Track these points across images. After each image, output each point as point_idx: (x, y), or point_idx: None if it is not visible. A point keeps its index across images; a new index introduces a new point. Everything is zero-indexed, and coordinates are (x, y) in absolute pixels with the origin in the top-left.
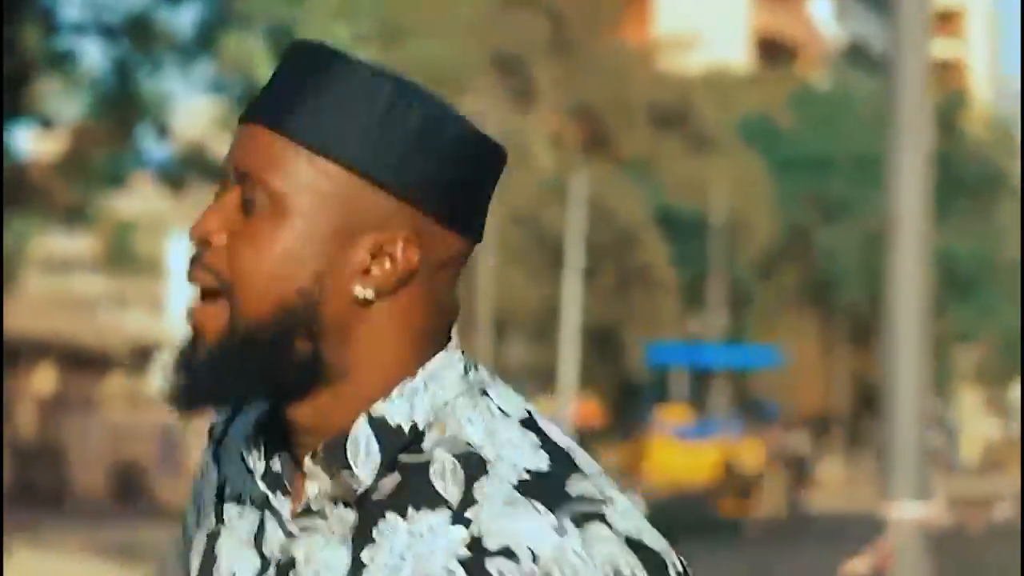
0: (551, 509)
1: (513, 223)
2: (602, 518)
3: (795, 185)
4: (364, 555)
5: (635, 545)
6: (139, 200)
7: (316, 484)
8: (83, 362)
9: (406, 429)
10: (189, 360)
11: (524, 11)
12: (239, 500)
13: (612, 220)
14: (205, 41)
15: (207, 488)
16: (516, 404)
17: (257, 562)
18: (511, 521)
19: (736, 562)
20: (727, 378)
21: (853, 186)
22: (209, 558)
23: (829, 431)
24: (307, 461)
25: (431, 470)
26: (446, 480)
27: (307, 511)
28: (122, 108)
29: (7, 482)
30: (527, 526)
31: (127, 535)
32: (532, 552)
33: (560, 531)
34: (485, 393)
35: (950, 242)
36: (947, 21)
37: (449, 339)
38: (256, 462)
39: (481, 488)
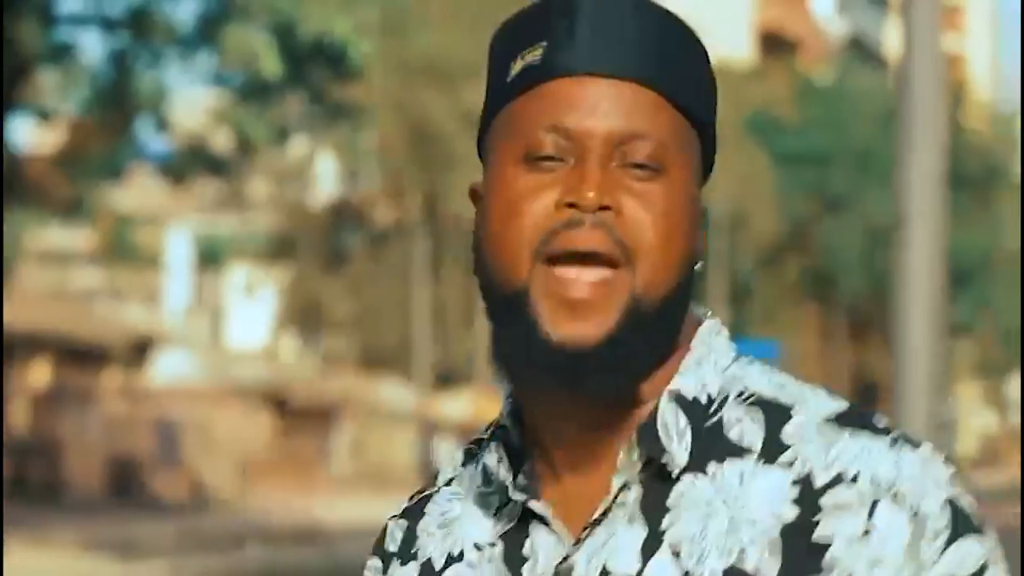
0: (875, 434)
1: None
2: (925, 444)
3: (796, 179)
4: (663, 524)
5: (954, 473)
6: (137, 193)
7: (623, 476)
8: (79, 356)
9: (703, 401)
10: (579, 345)
11: (528, 2)
12: (458, 557)
13: None
14: (206, 34)
15: None
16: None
17: None
18: (838, 449)
19: None
20: None
21: (854, 180)
22: None
23: None
24: (621, 455)
25: (724, 429)
26: (743, 431)
27: (604, 512)
28: (121, 101)
29: (2, 476)
30: (857, 448)
31: (124, 530)
32: (871, 473)
33: (896, 448)
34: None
35: (949, 235)
36: (948, 15)
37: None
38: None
39: (788, 432)
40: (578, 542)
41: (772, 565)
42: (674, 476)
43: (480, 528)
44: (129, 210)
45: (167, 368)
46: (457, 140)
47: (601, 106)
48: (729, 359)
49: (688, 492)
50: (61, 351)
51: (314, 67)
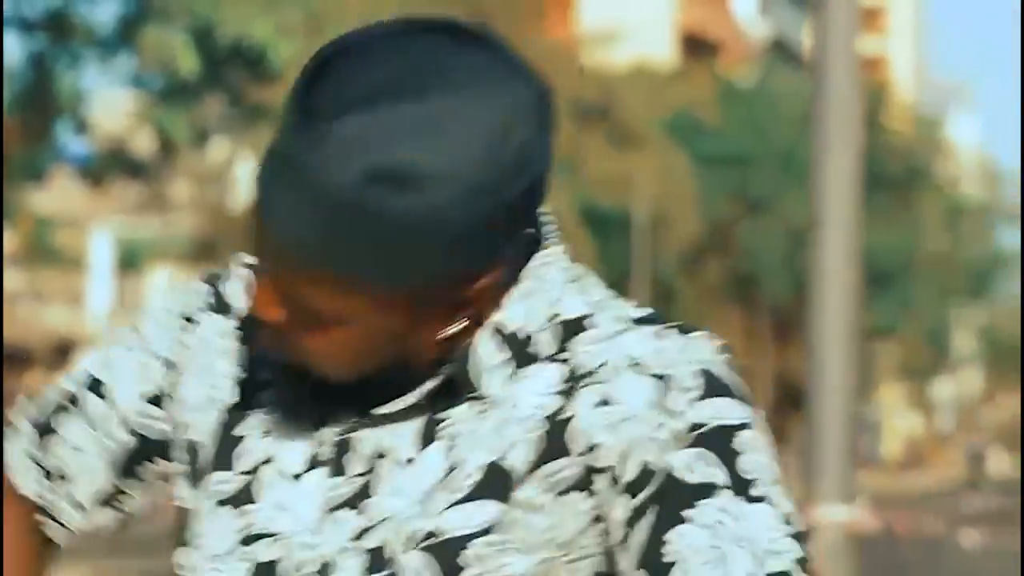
0: (654, 330)
1: None
2: (699, 334)
3: (718, 181)
4: (447, 419)
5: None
6: (58, 195)
7: (417, 394)
8: (2, 358)
9: (520, 336)
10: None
11: (447, 6)
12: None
13: None
14: (124, 35)
15: (210, 350)
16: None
17: (307, 449)
18: (608, 346)
19: None
20: None
21: (776, 182)
22: (228, 438)
23: None
24: (426, 387)
25: (532, 343)
26: (540, 345)
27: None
28: (40, 103)
29: None
30: (623, 342)
31: None
32: (623, 354)
33: (660, 336)
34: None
35: (869, 236)
36: (870, 17)
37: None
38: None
39: (580, 338)
40: (374, 420)
41: (525, 458)
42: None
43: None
44: (50, 212)
45: None
46: None
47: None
48: (560, 291)
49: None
50: None
51: (233, 69)
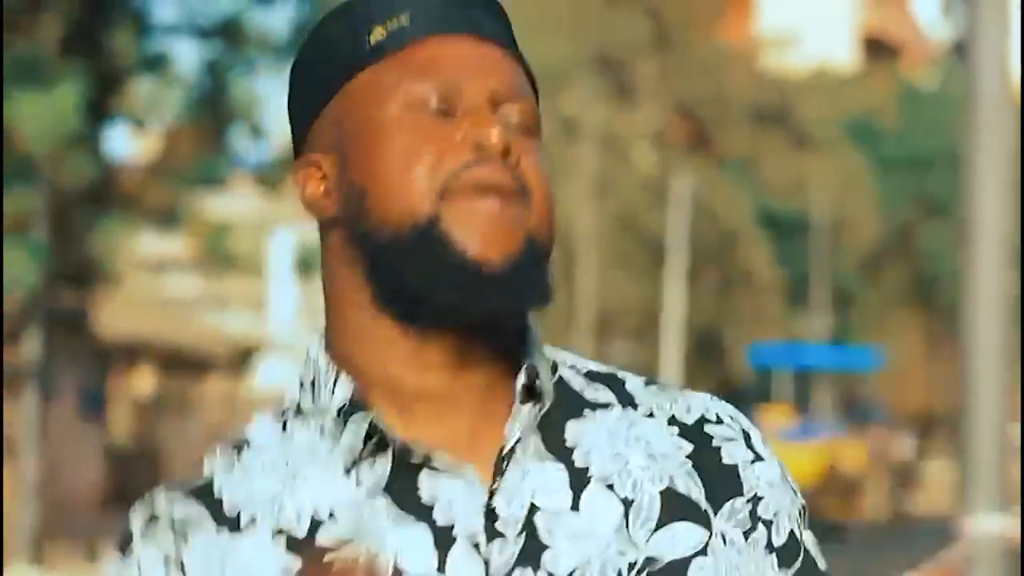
0: (693, 390)
1: (615, 224)
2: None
3: (899, 184)
4: (577, 462)
5: None
6: (236, 200)
7: (516, 424)
8: (182, 364)
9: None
10: (502, 261)
11: (625, 9)
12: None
13: (715, 220)
14: (298, 42)
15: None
16: None
17: (427, 531)
18: (681, 399)
19: (839, 565)
20: (830, 379)
21: (957, 185)
22: None
23: (933, 432)
24: (519, 379)
25: (572, 386)
26: (595, 390)
27: (505, 457)
28: (215, 110)
29: (103, 486)
30: (696, 398)
31: None
32: (727, 413)
33: (717, 399)
34: None
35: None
36: None
37: None
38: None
39: (631, 390)
40: (494, 484)
41: (698, 489)
42: (552, 418)
43: (331, 489)
44: (228, 218)
45: (269, 376)
46: (554, 146)
47: (482, 64)
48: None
49: (583, 434)
50: (164, 359)
51: None
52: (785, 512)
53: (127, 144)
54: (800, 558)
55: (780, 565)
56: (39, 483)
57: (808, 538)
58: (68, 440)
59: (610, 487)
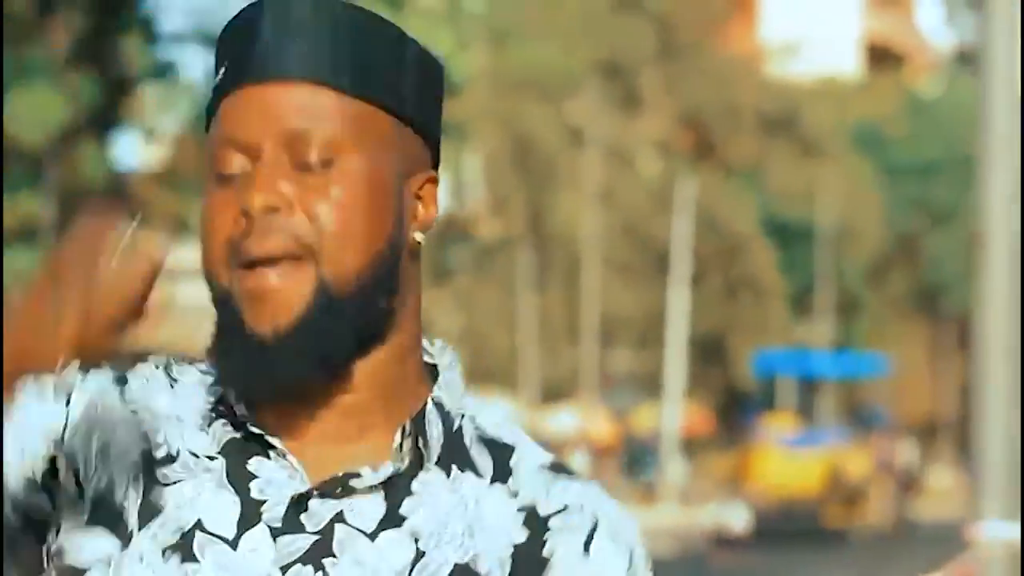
0: (583, 480)
1: (620, 231)
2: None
3: (904, 192)
4: (404, 507)
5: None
6: None
7: (394, 463)
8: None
9: (452, 415)
10: (272, 334)
11: (631, 17)
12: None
13: (719, 227)
14: None
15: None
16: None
17: (237, 504)
18: (559, 487)
19: (843, 571)
20: (835, 386)
21: (962, 193)
22: (156, 492)
23: (937, 439)
24: (396, 436)
25: (464, 439)
26: (478, 451)
27: (346, 479)
28: None
29: None
30: (576, 490)
31: None
32: (592, 506)
33: (603, 495)
34: None
35: None
36: None
37: None
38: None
39: (513, 464)
40: (321, 486)
41: (500, 573)
42: (424, 467)
43: (195, 437)
44: None
45: None
46: (560, 154)
47: (268, 112)
48: (462, 388)
49: (430, 486)
50: None
51: None
52: None
53: (136, 152)
54: None
55: None
56: None
57: None
58: None
59: (415, 538)
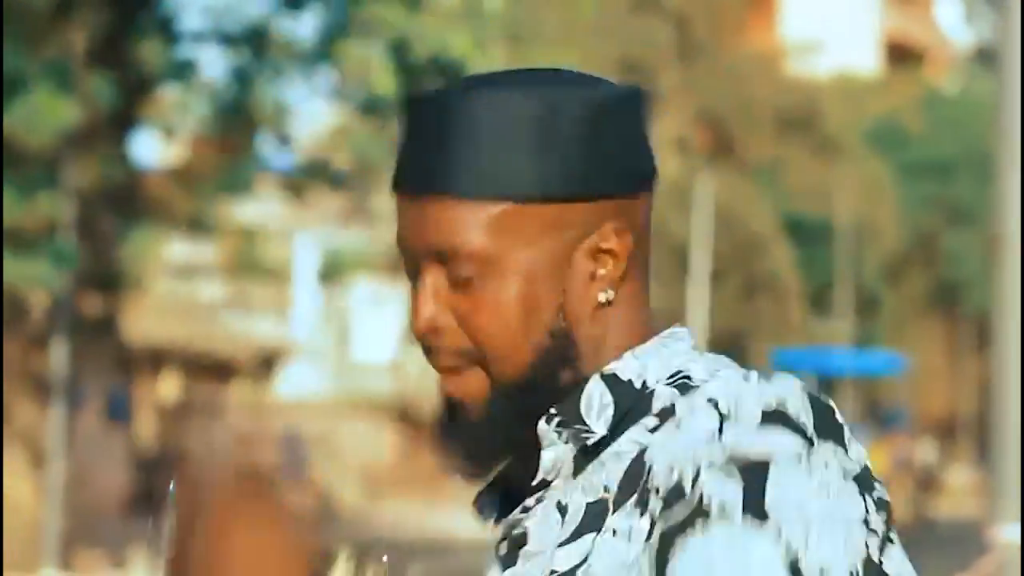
0: (743, 378)
1: None
2: (788, 378)
3: (922, 190)
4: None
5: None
6: (264, 206)
7: (552, 451)
8: (207, 369)
9: (637, 384)
10: (461, 427)
11: (649, 16)
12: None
13: (738, 226)
14: (325, 49)
15: None
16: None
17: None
18: (698, 390)
19: None
20: (854, 385)
21: (980, 191)
22: None
23: (956, 438)
24: (541, 424)
25: (652, 405)
26: (660, 399)
27: (541, 483)
28: (242, 117)
29: (130, 491)
30: (710, 386)
31: None
32: (708, 395)
33: (744, 380)
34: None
35: None
36: None
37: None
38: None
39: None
40: (524, 509)
41: (619, 488)
42: (590, 443)
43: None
44: (254, 224)
45: (294, 381)
46: None
47: (413, 226)
48: (684, 359)
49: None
50: (189, 364)
51: (431, 83)
52: (681, 465)
53: (154, 151)
54: (681, 502)
55: (662, 507)
56: (66, 489)
57: (714, 483)
58: (94, 446)
59: (559, 497)
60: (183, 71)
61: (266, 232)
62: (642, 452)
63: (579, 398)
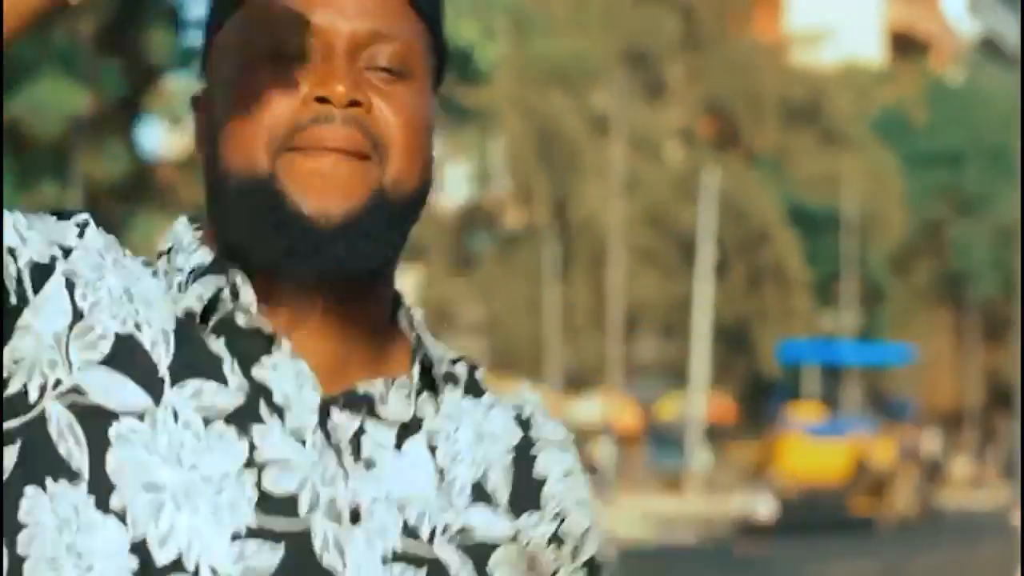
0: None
1: (645, 220)
2: None
3: (928, 180)
4: (421, 412)
5: None
6: None
7: (408, 379)
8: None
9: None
10: (323, 217)
11: (655, 6)
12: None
13: (744, 216)
14: None
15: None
16: None
17: (243, 446)
18: (521, 396)
19: (868, 560)
20: (860, 375)
21: (986, 181)
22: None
23: (962, 428)
24: (413, 387)
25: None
26: (459, 375)
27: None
28: None
29: None
30: (536, 398)
31: None
32: (559, 423)
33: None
34: None
35: None
36: None
37: None
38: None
39: (475, 379)
40: (343, 395)
41: (504, 491)
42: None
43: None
44: None
45: None
46: (585, 143)
47: (348, 6)
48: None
49: (448, 398)
50: None
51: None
52: (595, 534)
53: (161, 140)
54: (603, 570)
55: (585, 570)
56: None
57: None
58: None
59: (432, 449)
60: (190, 59)
61: None
62: (529, 470)
63: (425, 349)
